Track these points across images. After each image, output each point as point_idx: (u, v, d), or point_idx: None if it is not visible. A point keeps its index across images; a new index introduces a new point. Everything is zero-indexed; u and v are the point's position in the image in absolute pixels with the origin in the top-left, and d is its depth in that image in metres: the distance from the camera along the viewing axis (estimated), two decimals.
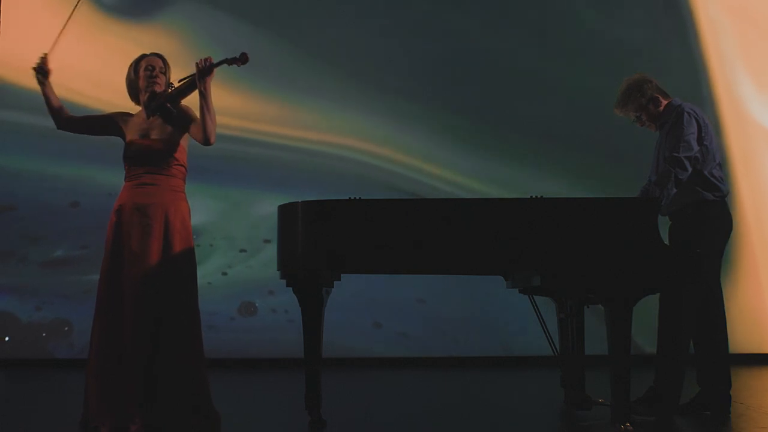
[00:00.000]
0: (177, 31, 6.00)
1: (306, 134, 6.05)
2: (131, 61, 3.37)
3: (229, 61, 3.22)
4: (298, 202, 3.37)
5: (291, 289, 3.43)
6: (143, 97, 3.31)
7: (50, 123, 3.40)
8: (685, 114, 3.63)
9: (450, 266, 3.39)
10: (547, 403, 4.02)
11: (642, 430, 3.23)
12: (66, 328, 5.72)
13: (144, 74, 3.30)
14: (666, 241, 3.36)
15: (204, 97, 3.19)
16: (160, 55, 3.38)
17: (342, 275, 3.52)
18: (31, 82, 3.39)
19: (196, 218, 5.48)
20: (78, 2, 3.43)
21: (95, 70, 5.83)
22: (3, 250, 5.82)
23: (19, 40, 5.83)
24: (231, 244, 5.93)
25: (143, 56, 3.36)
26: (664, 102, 3.77)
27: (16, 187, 5.85)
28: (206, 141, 3.24)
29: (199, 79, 3.18)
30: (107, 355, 3.11)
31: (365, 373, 5.49)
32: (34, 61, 3.32)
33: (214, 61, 3.20)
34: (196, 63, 3.20)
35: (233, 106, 5.93)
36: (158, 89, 3.29)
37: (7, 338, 5.69)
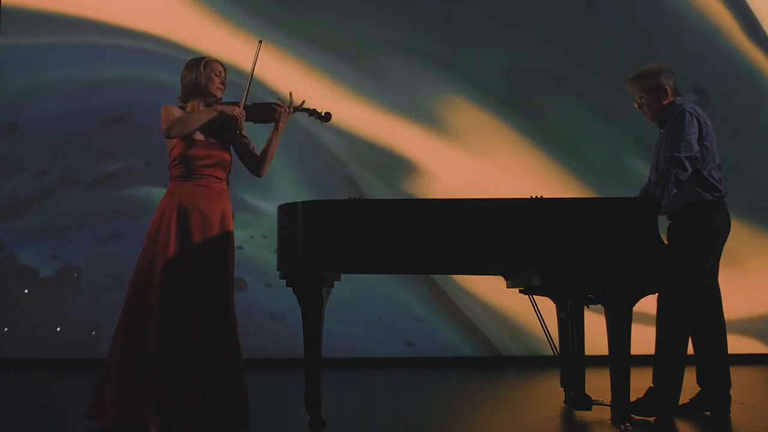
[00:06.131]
0: None
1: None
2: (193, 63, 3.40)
3: (313, 114, 3.45)
4: (298, 201, 3.36)
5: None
6: (211, 99, 3.36)
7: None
8: (687, 114, 3.62)
9: (450, 266, 3.41)
10: (547, 403, 4.02)
11: (642, 430, 3.23)
12: (75, 274, 5.76)
13: (216, 79, 3.37)
14: (666, 241, 3.36)
15: (275, 136, 3.42)
16: (221, 62, 3.45)
17: (342, 275, 3.53)
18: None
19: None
20: (259, 47, 3.45)
21: None
22: (65, 176, 5.79)
23: None
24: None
25: (209, 59, 3.41)
26: (669, 98, 3.75)
27: (132, 96, 5.81)
28: (259, 173, 3.47)
29: (279, 119, 3.39)
30: (146, 352, 3.12)
31: (365, 373, 5.49)
32: None
33: (301, 106, 3.43)
34: (282, 104, 3.40)
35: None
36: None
37: (26, 290, 5.73)
